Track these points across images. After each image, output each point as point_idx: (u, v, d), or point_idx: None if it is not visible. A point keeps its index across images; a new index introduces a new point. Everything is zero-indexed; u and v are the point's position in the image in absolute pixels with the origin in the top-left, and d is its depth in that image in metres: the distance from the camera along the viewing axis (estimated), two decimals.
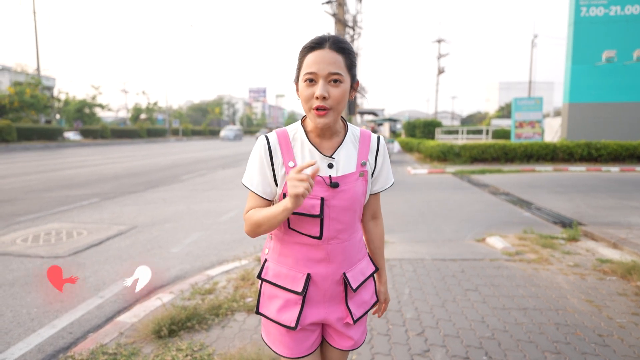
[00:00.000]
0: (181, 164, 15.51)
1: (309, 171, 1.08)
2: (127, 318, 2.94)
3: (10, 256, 4.42)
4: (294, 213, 1.20)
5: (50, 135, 29.15)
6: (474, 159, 15.14)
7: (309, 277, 1.25)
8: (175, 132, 52.26)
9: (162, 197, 8.24)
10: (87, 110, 37.65)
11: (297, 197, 1.06)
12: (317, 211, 1.19)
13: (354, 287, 1.28)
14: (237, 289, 3.45)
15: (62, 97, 36.77)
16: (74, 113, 36.68)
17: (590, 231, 5.16)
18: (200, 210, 6.96)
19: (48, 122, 32.80)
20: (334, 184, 1.20)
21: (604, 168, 13.19)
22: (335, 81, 1.15)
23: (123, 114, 58.73)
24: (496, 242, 4.79)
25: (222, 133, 44.14)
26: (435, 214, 6.82)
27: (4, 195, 8.13)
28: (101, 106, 38.48)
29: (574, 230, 5.11)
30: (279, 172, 1.23)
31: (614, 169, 13.06)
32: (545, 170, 13.04)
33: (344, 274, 1.28)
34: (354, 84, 1.23)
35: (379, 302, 1.46)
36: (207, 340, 2.62)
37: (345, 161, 1.25)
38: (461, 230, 5.70)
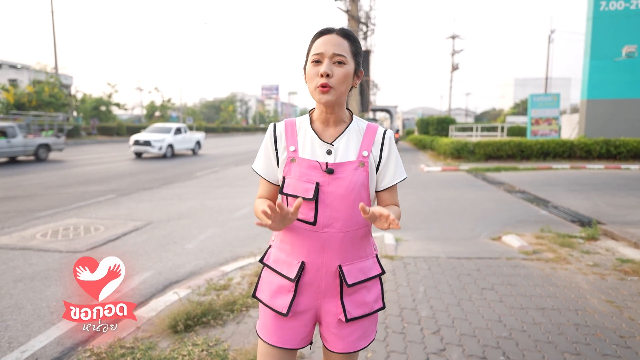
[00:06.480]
0: (195, 161, 15.65)
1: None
2: (144, 312, 2.97)
3: (30, 250, 4.52)
4: (291, 195, 1.25)
5: (68, 133, 29.66)
6: (489, 157, 14.94)
7: (302, 265, 1.27)
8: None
9: (176, 194, 8.33)
10: (103, 108, 38.26)
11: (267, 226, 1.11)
12: (310, 195, 1.22)
13: (349, 283, 1.26)
14: (252, 285, 3.46)
15: (79, 95, 37.45)
16: (91, 111, 37.31)
17: (610, 230, 5.04)
18: (214, 207, 7.02)
19: (66, 119, 33.38)
20: (329, 170, 1.23)
21: (624, 166, 12.90)
22: (340, 62, 1.21)
23: (138, 111, 59.47)
24: (512, 241, 4.72)
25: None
26: (450, 212, 6.76)
27: (24, 191, 8.31)
28: (118, 105, 39.11)
29: (593, 229, 5.00)
30: (282, 156, 1.29)
31: (634, 166, 12.75)
32: (562, 168, 12.80)
33: (340, 266, 1.27)
34: (359, 72, 1.28)
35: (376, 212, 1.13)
36: (222, 336, 2.64)
37: (345, 149, 1.27)
38: (476, 228, 5.63)
